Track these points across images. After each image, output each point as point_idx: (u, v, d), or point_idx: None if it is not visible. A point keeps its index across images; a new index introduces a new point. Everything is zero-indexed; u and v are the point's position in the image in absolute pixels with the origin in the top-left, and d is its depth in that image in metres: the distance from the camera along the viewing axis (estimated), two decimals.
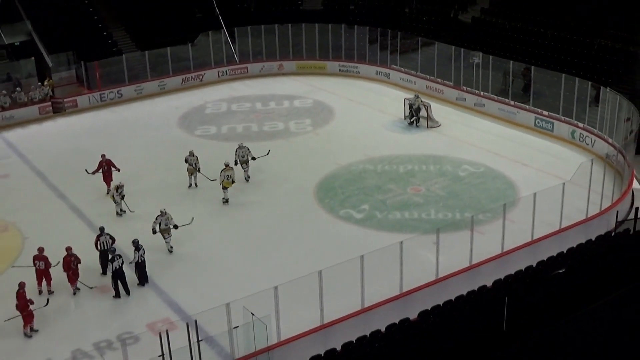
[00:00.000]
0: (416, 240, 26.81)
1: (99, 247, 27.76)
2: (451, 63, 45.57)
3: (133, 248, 26.48)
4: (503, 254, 26.65)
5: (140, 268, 26.67)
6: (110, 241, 27.73)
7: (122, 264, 26.08)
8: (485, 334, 20.14)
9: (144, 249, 26.51)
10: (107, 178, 33.97)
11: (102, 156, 34.11)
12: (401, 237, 25.89)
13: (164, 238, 28.62)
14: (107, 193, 33.22)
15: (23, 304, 24.08)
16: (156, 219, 28.43)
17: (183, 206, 32.10)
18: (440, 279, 25.08)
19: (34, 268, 26.50)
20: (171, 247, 28.81)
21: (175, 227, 28.66)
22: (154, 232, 28.39)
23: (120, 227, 30.30)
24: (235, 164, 33.93)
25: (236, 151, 34.32)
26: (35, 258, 26.59)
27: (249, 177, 34.52)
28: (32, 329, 24.25)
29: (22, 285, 24.46)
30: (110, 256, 26.15)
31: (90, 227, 31.24)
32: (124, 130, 43.87)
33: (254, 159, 34.31)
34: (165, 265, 28.09)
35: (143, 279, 26.78)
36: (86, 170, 33.91)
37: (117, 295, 26.10)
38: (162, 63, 51.65)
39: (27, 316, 24.19)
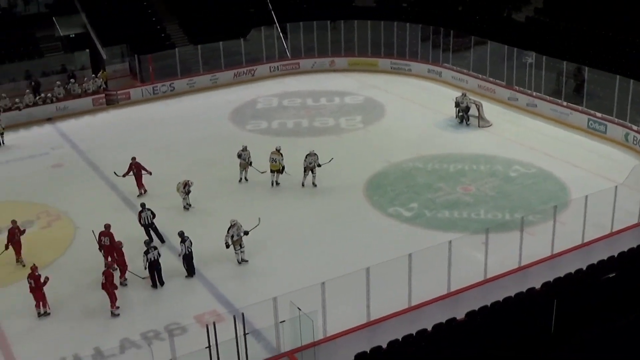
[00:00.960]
0: (465, 240, 26.70)
1: (141, 222, 29.29)
2: (504, 62, 45.23)
3: (179, 240, 26.76)
4: (553, 256, 26.45)
5: (187, 259, 26.91)
6: (152, 216, 29.40)
7: (159, 256, 26.40)
8: (533, 336, 19.97)
9: (190, 241, 26.72)
10: (138, 180, 33.97)
11: (132, 159, 34.09)
12: (450, 237, 25.82)
13: (235, 250, 27.59)
14: (139, 195, 33.66)
15: (111, 282, 24.73)
16: (228, 231, 27.34)
17: (233, 201, 32.30)
18: (489, 279, 24.95)
19: (98, 245, 27.19)
20: (243, 260, 27.80)
21: (246, 233, 27.72)
22: (227, 246, 27.48)
23: (174, 220, 30.60)
24: (305, 171, 33.57)
25: (305, 158, 33.61)
26: (101, 234, 27.15)
27: (315, 184, 33.81)
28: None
29: (109, 265, 25.30)
30: (145, 248, 26.42)
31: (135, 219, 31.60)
32: (176, 124, 44.21)
33: (319, 165, 33.61)
34: (214, 258, 28.22)
35: (191, 270, 27.00)
36: (115, 172, 34.26)
37: (154, 285, 26.46)
38: (214, 57, 51.98)
39: (114, 295, 24.88)
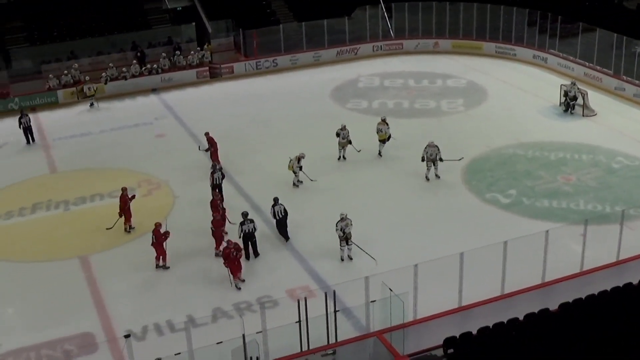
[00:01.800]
0: (563, 231, 26.30)
1: (211, 182, 30.56)
2: (612, 51, 44.06)
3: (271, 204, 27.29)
4: None
5: (278, 225, 27.43)
6: (222, 176, 30.79)
7: (254, 229, 26.72)
8: (627, 333, 19.58)
9: (251, 224, 26.73)
10: (214, 154, 34.34)
11: (205, 134, 34.70)
12: (547, 226, 25.46)
13: (341, 246, 26.54)
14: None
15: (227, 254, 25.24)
16: (336, 224, 26.38)
17: (332, 178, 32.50)
18: (585, 272, 24.47)
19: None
20: (349, 257, 26.62)
21: (350, 240, 26.58)
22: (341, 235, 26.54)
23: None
24: (422, 160, 32.68)
25: (425, 149, 32.58)
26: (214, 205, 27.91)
27: (438, 176, 32.83)
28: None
29: (229, 244, 25.62)
30: (242, 219, 26.71)
31: (239, 191, 32.14)
32: (277, 100, 44.63)
33: (441, 160, 32.45)
34: (309, 233, 28.51)
35: (284, 234, 27.57)
36: (199, 147, 35.19)
37: (247, 256, 26.77)
38: (318, 35, 52.17)
39: (236, 268, 25.41)
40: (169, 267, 26.43)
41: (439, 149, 32.18)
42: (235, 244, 25.59)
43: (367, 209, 30.06)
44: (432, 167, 32.48)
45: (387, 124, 34.63)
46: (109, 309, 24.52)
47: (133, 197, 29.57)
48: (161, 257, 26.53)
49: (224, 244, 25.77)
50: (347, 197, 30.95)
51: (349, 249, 26.58)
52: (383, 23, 53.93)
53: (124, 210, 29.10)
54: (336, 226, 26.39)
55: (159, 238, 26.26)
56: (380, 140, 34.82)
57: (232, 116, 41.22)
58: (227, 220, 27.87)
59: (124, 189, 29.42)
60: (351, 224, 26.42)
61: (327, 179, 32.72)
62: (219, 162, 33.48)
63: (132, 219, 29.30)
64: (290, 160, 32.18)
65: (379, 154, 34.94)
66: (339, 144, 34.63)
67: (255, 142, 37.44)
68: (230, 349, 18.75)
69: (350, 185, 32.24)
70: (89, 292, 25.55)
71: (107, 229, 29.13)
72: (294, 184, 32.40)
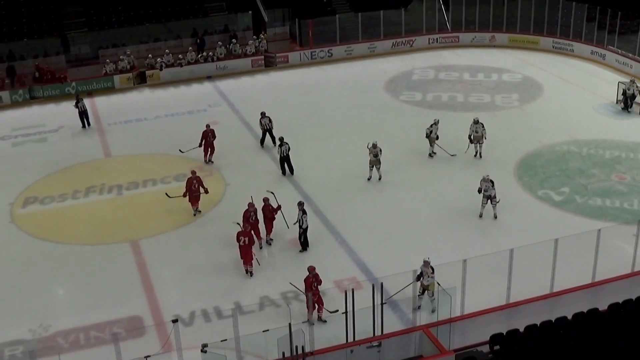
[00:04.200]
0: (615, 230, 25.96)
1: (261, 127, 34.39)
2: None
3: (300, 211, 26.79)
4: None
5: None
6: (270, 124, 34.52)
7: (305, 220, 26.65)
8: None
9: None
10: (209, 146, 34.42)
11: (206, 126, 34.71)
12: (599, 225, 25.11)
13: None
14: (206, 162, 34.24)
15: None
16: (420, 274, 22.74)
17: (383, 174, 32.46)
18: (636, 272, 24.11)
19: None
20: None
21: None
22: None
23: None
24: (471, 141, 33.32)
25: (470, 126, 33.33)
26: (246, 212, 27.10)
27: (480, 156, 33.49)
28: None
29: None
30: (299, 210, 26.53)
31: (289, 179, 32.25)
32: (332, 90, 44.67)
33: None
34: (359, 225, 28.54)
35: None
36: (200, 145, 34.53)
37: (304, 248, 26.83)
38: (373, 26, 52.10)
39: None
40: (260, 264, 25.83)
41: (493, 184, 28.76)
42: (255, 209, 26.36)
43: (416, 203, 30.03)
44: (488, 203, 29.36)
45: (482, 124, 33.39)
46: (157, 293, 24.80)
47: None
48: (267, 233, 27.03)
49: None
50: (399, 192, 30.92)
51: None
52: (439, 15, 53.67)
53: (191, 192, 29.14)
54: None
55: (269, 214, 26.77)
56: (474, 141, 33.54)
57: (285, 105, 41.35)
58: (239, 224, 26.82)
59: (192, 172, 29.62)
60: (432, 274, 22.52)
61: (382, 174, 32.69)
62: (206, 155, 34.28)
63: (198, 203, 29.46)
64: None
65: (477, 154, 33.83)
66: (370, 162, 32.01)
67: (308, 132, 37.48)
68: (276, 338, 18.86)
69: (401, 178, 32.15)
70: (139, 276, 25.86)
71: (166, 194, 29.89)
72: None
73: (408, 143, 35.00)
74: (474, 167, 32.73)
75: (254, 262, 25.38)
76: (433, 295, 22.34)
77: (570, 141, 35.66)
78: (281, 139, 32.38)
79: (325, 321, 22.59)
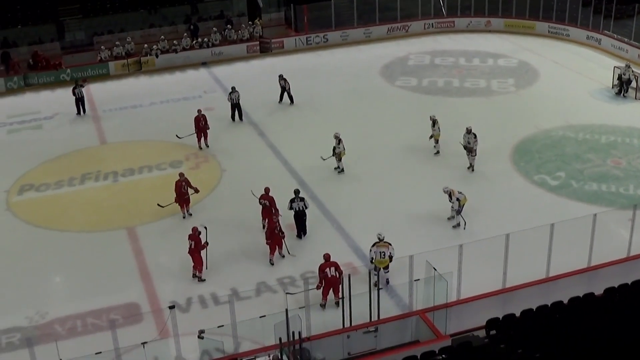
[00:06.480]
0: (611, 215, 26.02)
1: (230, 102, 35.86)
2: None
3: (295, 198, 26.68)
4: None
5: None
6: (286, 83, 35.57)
7: (305, 207, 26.59)
8: None
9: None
10: (202, 132, 34.43)
11: (198, 111, 34.67)
12: (595, 210, 25.23)
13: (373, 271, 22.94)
14: (201, 148, 34.21)
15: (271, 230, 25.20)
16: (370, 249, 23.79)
17: (378, 159, 32.42)
18: (631, 257, 24.19)
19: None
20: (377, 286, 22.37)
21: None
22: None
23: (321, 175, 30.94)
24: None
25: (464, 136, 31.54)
26: (261, 197, 26.83)
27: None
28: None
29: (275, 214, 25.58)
30: (294, 196, 26.59)
31: (285, 165, 32.24)
32: (327, 75, 44.64)
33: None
34: (354, 211, 28.57)
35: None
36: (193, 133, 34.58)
37: (298, 235, 26.84)
38: (369, 11, 52.02)
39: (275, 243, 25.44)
40: (204, 280, 24.51)
41: (475, 137, 30.39)
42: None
43: (411, 188, 30.05)
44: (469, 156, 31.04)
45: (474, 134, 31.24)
46: (154, 280, 24.82)
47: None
48: (198, 267, 24.55)
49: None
50: (393, 178, 30.93)
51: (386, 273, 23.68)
52: (435, 1, 53.52)
53: (180, 197, 28.27)
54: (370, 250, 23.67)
55: (198, 245, 24.31)
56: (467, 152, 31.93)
57: (280, 91, 41.17)
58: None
59: (180, 175, 28.61)
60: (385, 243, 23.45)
61: (371, 161, 32.63)
62: (200, 141, 34.35)
63: (189, 205, 28.67)
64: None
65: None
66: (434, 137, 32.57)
67: (303, 118, 37.48)
68: (273, 323, 18.87)
69: (398, 164, 32.15)
70: (135, 263, 25.87)
71: (158, 204, 28.68)
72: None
73: (403, 128, 34.93)
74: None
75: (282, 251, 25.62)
76: (387, 268, 23.26)
77: (566, 126, 35.65)
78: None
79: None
